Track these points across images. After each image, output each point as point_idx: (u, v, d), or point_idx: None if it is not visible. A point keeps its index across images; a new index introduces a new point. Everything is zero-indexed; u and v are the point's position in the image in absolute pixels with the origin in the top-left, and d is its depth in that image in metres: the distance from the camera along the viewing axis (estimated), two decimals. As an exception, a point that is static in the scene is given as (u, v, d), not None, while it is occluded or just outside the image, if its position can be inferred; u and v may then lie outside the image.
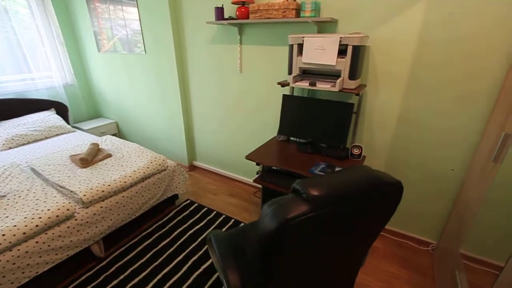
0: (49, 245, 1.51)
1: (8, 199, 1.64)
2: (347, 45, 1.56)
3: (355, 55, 1.56)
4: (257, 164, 1.88)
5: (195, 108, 2.83)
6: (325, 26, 1.86)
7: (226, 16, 2.18)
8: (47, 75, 3.20)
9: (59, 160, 2.14)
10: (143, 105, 3.14)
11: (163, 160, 2.21)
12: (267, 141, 2.17)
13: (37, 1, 2.92)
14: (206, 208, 2.44)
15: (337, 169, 1.69)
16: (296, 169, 1.72)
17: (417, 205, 1.94)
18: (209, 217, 2.33)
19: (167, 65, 2.68)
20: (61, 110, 3.22)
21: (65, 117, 3.27)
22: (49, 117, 2.96)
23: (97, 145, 2.30)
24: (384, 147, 1.93)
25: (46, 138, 2.80)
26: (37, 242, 1.46)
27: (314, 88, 1.68)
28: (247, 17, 2.01)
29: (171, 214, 2.35)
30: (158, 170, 2.14)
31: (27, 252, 1.42)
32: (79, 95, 3.52)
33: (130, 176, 1.94)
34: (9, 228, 1.38)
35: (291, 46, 1.75)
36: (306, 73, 1.80)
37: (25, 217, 1.46)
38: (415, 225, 2.01)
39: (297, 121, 2.01)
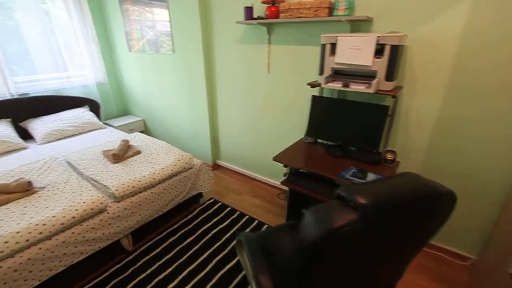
0: (83, 236, 1.58)
1: (48, 190, 1.73)
2: (384, 44, 1.49)
3: (393, 55, 1.48)
4: (285, 166, 1.85)
5: (221, 107, 2.85)
6: (359, 25, 1.80)
7: (255, 15, 2.17)
8: (81, 74, 3.36)
9: (92, 155, 2.24)
10: (170, 104, 3.22)
11: (190, 158, 2.24)
12: (293, 143, 2.13)
13: (75, 3, 3.08)
14: (229, 208, 2.45)
15: (369, 174, 1.62)
16: (325, 172, 1.67)
17: (456, 217, 1.82)
18: (232, 217, 2.33)
19: (195, 65, 2.71)
20: (94, 107, 3.37)
21: (97, 114, 3.42)
22: (83, 114, 3.11)
23: (127, 141, 2.38)
24: (419, 153, 1.83)
25: (80, 133, 2.94)
26: (73, 233, 1.53)
27: (347, 89, 1.62)
28: (277, 17, 1.99)
29: (195, 212, 2.38)
30: (184, 168, 2.17)
31: (64, 242, 1.49)
32: (109, 93, 3.67)
33: (158, 173, 1.99)
34: (49, 219, 1.46)
35: (324, 46, 1.71)
36: (338, 74, 1.74)
37: (63, 208, 1.54)
38: (452, 238, 1.89)
39: (326, 123, 1.95)
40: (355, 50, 1.57)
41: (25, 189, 1.67)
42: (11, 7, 2.71)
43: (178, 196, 2.16)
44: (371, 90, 1.53)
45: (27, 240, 1.36)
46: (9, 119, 2.73)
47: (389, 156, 1.76)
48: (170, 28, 2.74)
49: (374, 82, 1.53)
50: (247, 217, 2.34)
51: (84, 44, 3.26)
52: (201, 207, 2.46)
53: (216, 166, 3.21)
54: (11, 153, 2.46)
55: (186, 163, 2.19)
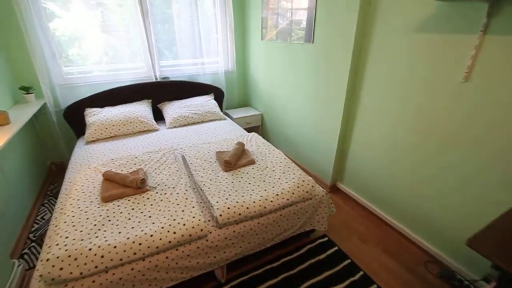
0: (177, 263, 1.31)
1: (157, 192, 1.57)
2: None
3: None
4: (495, 267, 0.99)
5: (361, 118, 2.11)
6: None
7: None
8: (214, 61, 3.34)
9: (206, 154, 2.02)
10: (293, 102, 2.73)
11: (312, 186, 1.68)
12: (502, 214, 1.19)
13: (221, -9, 3.00)
14: (349, 261, 1.77)
15: None
16: None
17: None
18: (353, 279, 1.65)
19: (338, 59, 2.06)
20: (218, 95, 3.32)
21: (220, 103, 3.35)
22: (208, 102, 3.07)
23: (242, 146, 2.05)
24: None
25: (202, 122, 2.89)
26: (167, 257, 1.28)
27: None
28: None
29: (303, 251, 1.84)
30: (303, 198, 1.64)
31: (156, 265, 1.26)
32: (234, 83, 3.55)
33: (271, 201, 1.53)
34: (145, 238, 1.24)
35: None
36: None
37: (162, 227, 1.29)
38: None
39: None
40: None
41: (137, 186, 1.56)
42: (172, -2, 2.83)
43: (288, 230, 1.67)
44: None
45: (120, 259, 1.17)
46: (150, 100, 2.95)
47: None
48: (313, 12, 2.17)
49: None
50: (374, 287, 1.61)
51: (221, 31, 3.18)
52: (311, 245, 1.89)
53: (334, 189, 2.54)
54: (146, 133, 2.61)
55: (307, 192, 1.65)
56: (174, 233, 1.28)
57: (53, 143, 2.74)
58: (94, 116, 2.56)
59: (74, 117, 2.62)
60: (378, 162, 2.05)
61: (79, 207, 1.43)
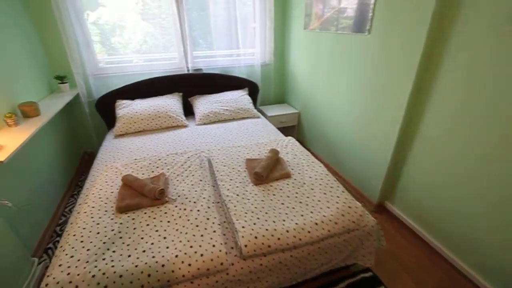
0: (192, 298, 1.11)
1: (176, 206, 1.38)
2: None
3: None
4: None
5: (426, 128, 1.69)
6: None
7: None
8: (250, 52, 3.06)
9: (235, 161, 1.79)
10: (338, 101, 2.36)
11: (360, 215, 1.35)
12: None
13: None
14: (400, 308, 1.43)
15: None
16: None
17: None
18: (404, 334, 1.32)
19: (402, 53, 1.65)
20: (253, 90, 3.05)
21: (254, 98, 3.09)
22: (241, 97, 2.82)
23: (276, 154, 1.77)
24: None
25: (234, 119, 2.66)
26: (180, 291, 1.08)
27: None
28: None
29: (341, 286, 1.54)
30: (348, 229, 1.32)
31: (168, 300, 1.07)
32: (271, 76, 3.24)
33: (308, 232, 1.24)
34: (156, 268, 1.04)
35: None
36: None
37: (176, 255, 1.09)
38: None
39: None
40: None
41: (155, 197, 1.38)
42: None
43: (325, 264, 1.37)
44: None
45: (125, 293, 0.99)
46: (181, 94, 2.79)
47: None
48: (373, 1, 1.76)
49: None
50: None
51: (259, 20, 2.87)
52: (352, 280, 1.58)
53: (381, 209, 2.16)
54: (174, 129, 2.46)
55: (353, 222, 1.33)
56: (189, 265, 1.07)
57: (86, 133, 2.73)
58: (124, 108, 2.47)
59: (106, 108, 2.56)
60: (443, 184, 1.63)
61: (92, 217, 1.29)
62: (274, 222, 1.28)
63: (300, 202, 1.42)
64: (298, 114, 3.12)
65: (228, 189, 1.51)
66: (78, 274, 1.01)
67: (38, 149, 1.99)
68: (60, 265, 1.04)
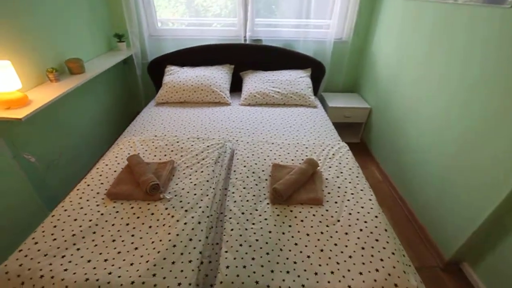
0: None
1: (166, 208, 1.14)
2: None
3: None
4: None
5: None
6: None
7: None
8: (323, 24, 2.47)
9: (260, 162, 1.42)
10: (431, 105, 1.66)
11: (411, 302, 0.85)
12: None
13: None
14: None
15: None
16: None
17: None
18: None
19: None
20: (318, 72, 2.50)
21: (317, 83, 2.55)
22: (300, 80, 2.33)
23: (314, 167, 1.32)
24: None
25: (284, 105, 2.23)
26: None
27: None
28: None
29: None
30: (384, 317, 0.85)
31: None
32: (345, 58, 2.59)
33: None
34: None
35: None
36: None
37: (132, 282, 0.85)
38: None
39: None
40: None
41: (147, 192, 1.16)
42: None
43: None
44: None
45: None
46: (233, 66, 2.48)
47: None
48: None
49: None
50: None
51: (344, -21, 2.22)
52: None
53: (451, 268, 1.50)
54: (215, 105, 2.20)
55: (395, 308, 0.84)
56: None
57: (137, 95, 2.75)
58: (171, 75, 2.32)
59: (156, 72, 2.47)
60: None
61: (80, 198, 1.17)
62: (272, 271, 0.91)
63: (321, 250, 0.99)
64: (369, 111, 2.46)
65: (235, 201, 1.18)
66: (29, 269, 0.88)
67: (83, 105, 2.03)
68: (20, 251, 0.94)
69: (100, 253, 0.95)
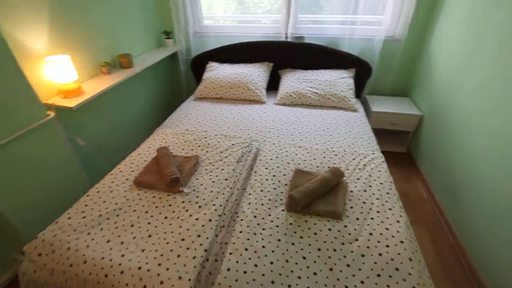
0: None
1: (182, 201, 1.17)
2: None
3: None
4: None
5: None
6: None
7: None
8: (373, 21, 2.26)
9: (283, 166, 1.38)
10: (501, 121, 1.39)
11: None
12: None
13: None
14: None
15: None
16: None
17: None
18: None
19: None
20: (363, 72, 2.30)
21: (361, 84, 2.35)
22: (341, 80, 2.19)
23: (338, 176, 1.22)
24: None
25: (321, 107, 2.12)
26: (137, 306, 0.92)
27: None
28: None
29: None
30: None
31: (125, 307, 0.93)
32: (396, 58, 2.33)
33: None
34: (112, 272, 0.90)
35: None
36: None
37: (132, 274, 0.90)
38: None
39: None
40: None
41: (167, 184, 1.22)
42: None
43: None
44: None
45: (84, 280, 0.91)
46: (272, 64, 2.44)
47: None
48: None
49: None
50: None
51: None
52: None
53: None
54: (250, 103, 2.20)
55: None
56: (145, 286, 0.87)
57: (180, 90, 2.90)
58: (210, 71, 2.39)
59: (199, 68, 2.57)
60: None
61: (112, 182, 1.29)
62: (272, 282, 0.87)
63: (331, 269, 0.91)
64: (420, 118, 2.19)
65: (249, 203, 1.16)
66: (60, 240, 1.00)
67: (130, 97, 2.23)
68: (56, 223, 1.08)
69: (119, 236, 1.04)
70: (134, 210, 1.15)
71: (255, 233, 1.03)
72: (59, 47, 1.55)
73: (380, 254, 0.94)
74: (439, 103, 1.95)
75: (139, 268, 0.91)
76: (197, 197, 1.19)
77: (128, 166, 1.41)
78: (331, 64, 2.33)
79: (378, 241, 0.98)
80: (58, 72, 1.48)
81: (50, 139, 1.48)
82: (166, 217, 1.12)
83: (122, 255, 0.95)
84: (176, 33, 2.48)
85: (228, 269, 0.90)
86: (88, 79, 1.79)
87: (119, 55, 1.98)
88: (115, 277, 0.90)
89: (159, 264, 0.92)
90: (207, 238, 1.01)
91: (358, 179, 1.29)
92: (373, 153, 1.47)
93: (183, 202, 1.18)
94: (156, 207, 1.17)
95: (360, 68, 2.29)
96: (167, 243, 0.99)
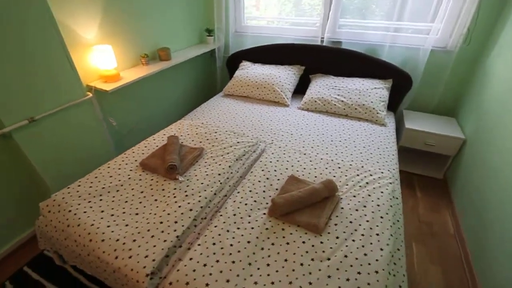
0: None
1: (174, 188, 1.25)
2: None
3: None
4: None
5: None
6: None
7: None
8: (421, 28, 2.04)
9: (278, 172, 1.35)
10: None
11: None
12: None
13: None
14: None
15: None
16: None
17: None
18: None
19: None
20: (401, 85, 2.10)
21: (399, 97, 2.15)
22: (373, 91, 2.03)
23: (331, 190, 1.15)
24: None
25: (346, 116, 2.01)
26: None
27: None
28: None
29: None
30: None
31: (104, 272, 1.04)
32: (446, 72, 2.06)
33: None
34: (98, 245, 1.01)
35: None
36: None
37: (109, 253, 1.00)
38: None
39: None
40: None
41: (165, 169, 1.31)
42: None
43: None
44: None
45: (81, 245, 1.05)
46: (303, 68, 2.39)
47: None
48: None
49: None
50: None
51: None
52: None
53: None
54: (273, 105, 2.20)
55: None
56: (105, 270, 0.96)
57: (214, 85, 3.03)
58: (242, 70, 2.46)
59: (233, 66, 2.66)
60: None
61: (123, 160, 1.44)
62: (228, 281, 0.87)
63: (290, 283, 0.87)
64: (463, 142, 1.90)
65: (234, 201, 1.18)
66: (66, 203, 1.16)
67: (165, 86, 2.42)
68: (68, 188, 1.25)
69: (112, 208, 1.16)
70: (132, 189, 1.27)
71: (228, 230, 1.05)
72: (106, 38, 1.78)
73: (347, 280, 0.86)
74: (487, 126, 1.67)
75: (117, 240, 1.01)
76: (187, 186, 1.26)
77: (141, 149, 1.55)
78: (367, 72, 2.18)
79: (351, 265, 0.90)
80: (101, 60, 1.70)
81: (87, 115, 1.71)
82: (156, 200, 1.21)
83: (108, 226, 1.07)
84: (216, 32, 2.60)
85: (190, 259, 0.94)
86: (128, 68, 2.01)
87: (159, 48, 2.18)
88: (96, 243, 1.01)
89: (134, 240, 1.00)
90: (183, 226, 1.06)
91: (354, 196, 1.19)
92: (382, 172, 1.33)
93: (174, 189, 1.25)
94: (151, 189, 1.27)
95: (399, 80, 2.09)
96: (148, 223, 1.08)
